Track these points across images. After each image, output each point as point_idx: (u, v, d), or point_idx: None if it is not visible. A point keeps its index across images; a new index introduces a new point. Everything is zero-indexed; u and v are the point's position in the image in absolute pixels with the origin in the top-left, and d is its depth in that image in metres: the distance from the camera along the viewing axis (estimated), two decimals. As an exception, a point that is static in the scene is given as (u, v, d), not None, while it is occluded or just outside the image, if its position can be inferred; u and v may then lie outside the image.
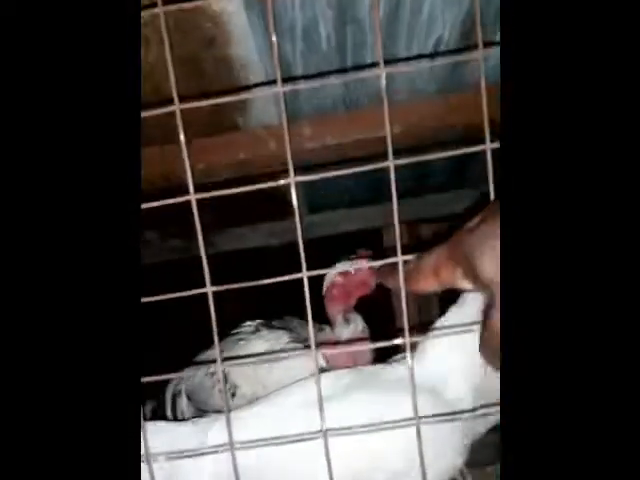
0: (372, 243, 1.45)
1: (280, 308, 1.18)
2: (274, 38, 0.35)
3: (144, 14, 0.35)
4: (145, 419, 0.39)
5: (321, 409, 0.39)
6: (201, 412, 1.08)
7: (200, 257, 0.37)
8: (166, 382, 1.14)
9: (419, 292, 0.39)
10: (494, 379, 0.33)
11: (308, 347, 1.02)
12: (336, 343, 1.02)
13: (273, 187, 0.37)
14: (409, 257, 0.38)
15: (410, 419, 0.39)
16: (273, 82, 0.36)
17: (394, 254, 0.38)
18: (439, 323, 0.65)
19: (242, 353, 1.03)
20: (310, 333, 0.39)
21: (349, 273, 1.01)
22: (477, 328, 0.34)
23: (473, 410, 0.62)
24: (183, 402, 1.11)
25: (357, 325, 1.03)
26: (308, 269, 0.38)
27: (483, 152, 0.35)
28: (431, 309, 1.43)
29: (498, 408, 0.64)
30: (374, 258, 1.06)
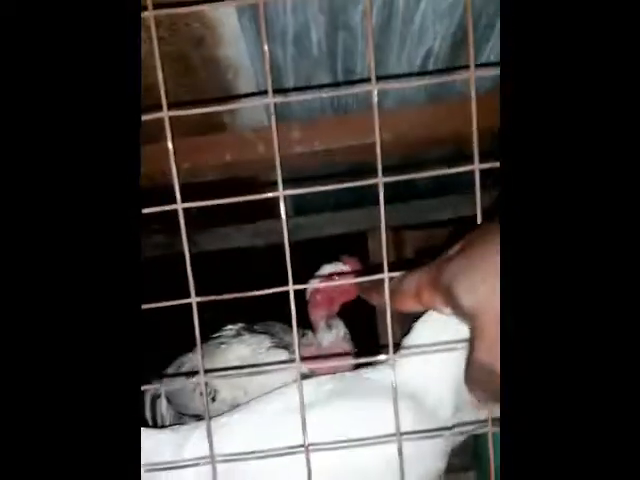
0: (357, 246, 1.45)
1: (262, 312, 1.17)
2: (266, 47, 0.34)
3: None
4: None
5: (303, 425, 0.38)
6: (181, 416, 1.07)
7: (183, 255, 0.37)
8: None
9: (401, 311, 0.39)
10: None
11: (289, 350, 1.01)
12: (318, 357, 1.01)
13: (259, 186, 0.36)
14: (395, 274, 0.38)
15: (391, 435, 0.39)
16: (264, 92, 0.36)
17: (378, 265, 0.37)
18: (409, 340, 0.65)
19: (223, 357, 1.02)
20: (295, 344, 0.39)
21: (332, 279, 1.01)
22: (447, 345, 0.35)
23: (452, 427, 0.62)
24: (163, 405, 1.10)
25: (339, 331, 1.03)
26: (293, 272, 0.37)
27: (471, 160, 0.35)
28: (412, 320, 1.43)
29: (478, 424, 0.64)
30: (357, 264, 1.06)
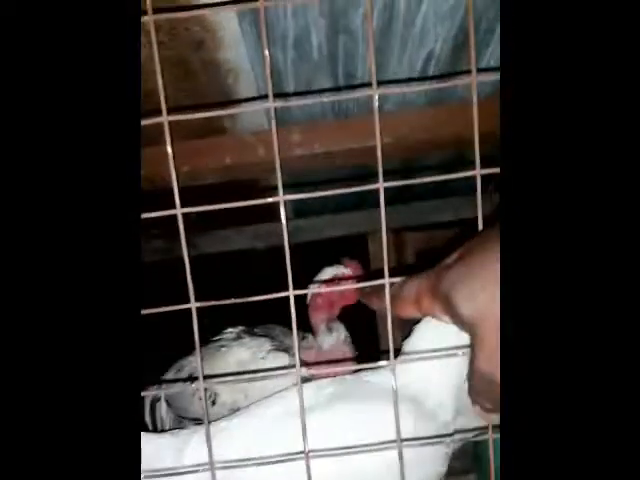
0: (357, 249, 1.45)
1: (263, 315, 1.17)
2: (267, 52, 0.34)
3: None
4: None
5: (304, 431, 0.38)
6: (181, 419, 1.06)
7: (182, 260, 0.37)
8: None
9: (400, 317, 0.38)
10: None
11: (289, 353, 1.01)
12: (319, 361, 1.01)
13: (259, 189, 0.36)
14: (395, 279, 0.37)
15: (392, 441, 0.38)
16: (265, 97, 0.36)
17: (379, 270, 0.37)
18: (409, 344, 0.65)
19: (224, 360, 1.02)
20: (295, 350, 0.39)
21: (333, 283, 1.00)
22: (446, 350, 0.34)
23: (453, 433, 0.62)
24: (162, 409, 1.09)
25: (340, 334, 1.03)
26: (293, 274, 0.37)
27: (472, 162, 0.35)
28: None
29: (478, 430, 0.64)
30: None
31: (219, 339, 1.11)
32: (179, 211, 0.36)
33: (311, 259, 1.08)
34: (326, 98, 0.35)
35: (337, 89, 0.70)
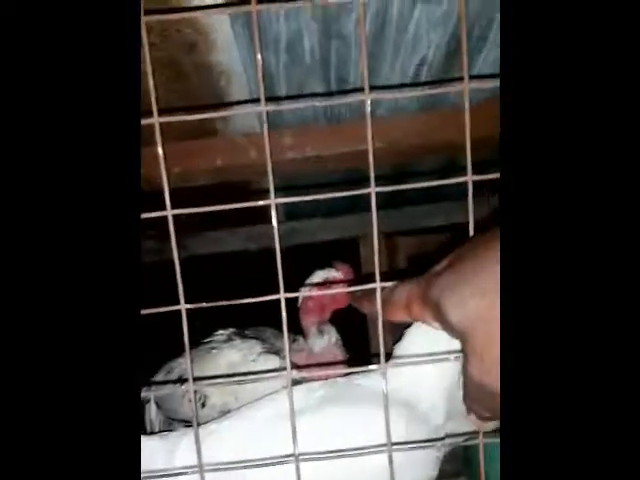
0: (349, 252, 1.45)
1: (254, 317, 1.17)
2: (259, 56, 0.34)
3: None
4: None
5: (294, 435, 0.38)
6: (170, 421, 1.06)
7: (173, 261, 0.36)
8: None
9: (391, 321, 0.38)
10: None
11: (280, 356, 1.01)
12: (310, 363, 1.01)
13: (251, 192, 0.36)
14: (387, 284, 0.37)
15: (382, 445, 0.38)
16: (257, 100, 0.36)
17: (370, 274, 0.37)
18: (400, 348, 0.65)
19: (214, 362, 1.01)
20: (286, 352, 0.39)
21: (324, 286, 1.00)
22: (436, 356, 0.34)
23: (444, 438, 0.62)
24: (152, 410, 1.09)
25: (331, 337, 1.03)
26: (285, 277, 0.37)
27: (463, 167, 0.35)
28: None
29: (470, 435, 0.64)
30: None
31: (210, 341, 1.10)
32: (169, 212, 0.36)
33: (303, 262, 1.08)
34: (318, 103, 0.35)
35: (329, 94, 0.70)
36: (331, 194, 0.35)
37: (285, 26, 0.58)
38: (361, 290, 0.43)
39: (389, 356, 0.66)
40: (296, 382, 0.77)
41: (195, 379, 0.41)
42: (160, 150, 0.35)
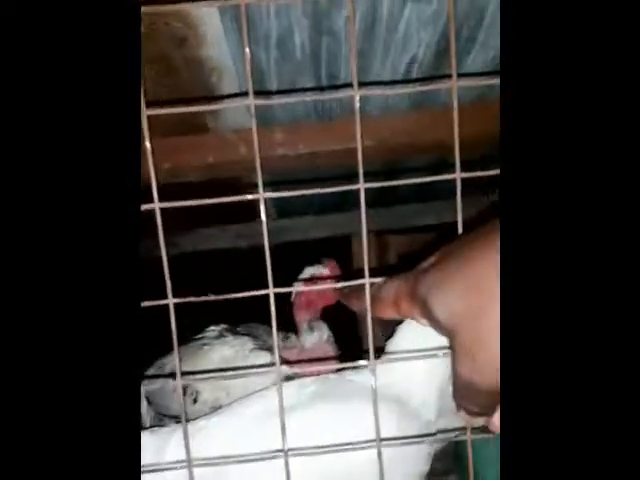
0: (341, 250, 1.46)
1: (246, 314, 1.17)
2: (247, 48, 0.34)
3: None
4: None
5: (283, 429, 0.38)
6: (161, 417, 1.06)
7: (168, 258, 0.36)
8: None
9: (380, 318, 0.38)
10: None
11: (271, 352, 1.01)
12: (301, 361, 1.01)
13: (242, 187, 0.36)
14: (376, 280, 0.37)
15: (371, 440, 0.39)
16: (246, 94, 0.36)
17: (359, 270, 0.37)
18: (393, 344, 0.65)
19: (206, 358, 1.01)
20: (275, 348, 0.39)
21: (312, 282, 1.01)
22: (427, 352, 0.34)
23: (435, 434, 0.62)
24: (143, 406, 1.08)
25: (322, 334, 1.03)
26: (277, 274, 0.37)
27: (453, 166, 0.35)
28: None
29: (460, 430, 0.64)
30: (340, 268, 1.06)
31: (201, 337, 1.10)
32: (157, 205, 0.36)
33: (295, 260, 1.08)
34: (308, 97, 0.35)
35: (320, 90, 0.70)
36: (320, 190, 0.35)
37: (276, 22, 0.58)
38: (349, 287, 0.43)
39: (381, 352, 0.66)
40: (288, 378, 0.77)
41: (185, 374, 0.41)
42: (147, 144, 0.35)
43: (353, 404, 0.63)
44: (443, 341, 0.34)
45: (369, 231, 0.36)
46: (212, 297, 0.39)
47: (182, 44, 0.60)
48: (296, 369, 0.92)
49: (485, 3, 0.59)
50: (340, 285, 0.39)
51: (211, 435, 0.64)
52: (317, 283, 1.00)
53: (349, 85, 0.70)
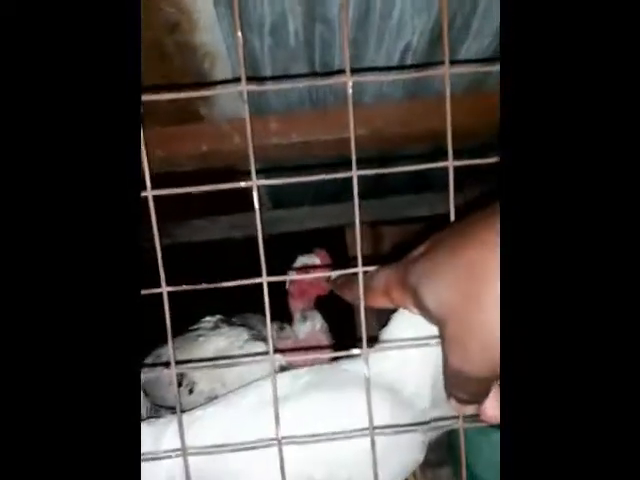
0: (335, 241, 1.46)
1: (242, 305, 1.17)
2: (239, 33, 0.34)
3: None
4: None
5: (277, 418, 0.38)
6: (157, 408, 1.06)
7: (161, 249, 0.36)
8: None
9: (373, 308, 0.38)
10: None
11: (267, 343, 1.01)
12: (295, 349, 1.02)
13: (236, 178, 0.36)
14: (368, 268, 0.37)
15: (365, 429, 0.39)
16: (239, 79, 0.35)
17: (351, 259, 0.37)
18: (387, 333, 0.65)
19: (201, 349, 1.02)
20: (268, 336, 0.39)
21: (305, 271, 1.01)
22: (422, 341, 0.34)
23: (429, 422, 0.63)
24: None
25: (315, 323, 1.04)
26: (272, 265, 0.37)
27: (447, 156, 0.35)
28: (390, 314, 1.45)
29: (454, 419, 0.65)
30: (336, 259, 1.07)
31: (197, 328, 1.10)
32: (150, 193, 0.35)
33: (289, 250, 1.08)
34: (301, 84, 0.34)
35: (314, 77, 0.69)
36: (313, 177, 0.35)
37: (269, 9, 0.58)
38: (342, 277, 0.43)
39: (375, 342, 0.67)
40: (283, 369, 0.77)
41: (180, 363, 0.41)
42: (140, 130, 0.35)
43: (346, 393, 0.63)
44: (435, 330, 0.34)
45: (363, 222, 0.36)
46: (206, 285, 0.38)
47: (175, 29, 0.59)
48: (291, 358, 0.93)
49: (480, -10, 0.59)
50: (334, 274, 0.39)
51: (207, 426, 0.64)
52: (309, 272, 1.01)
53: (343, 72, 0.70)
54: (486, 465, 0.97)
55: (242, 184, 0.35)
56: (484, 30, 0.66)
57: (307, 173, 0.36)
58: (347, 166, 0.34)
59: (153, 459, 0.46)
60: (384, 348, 0.62)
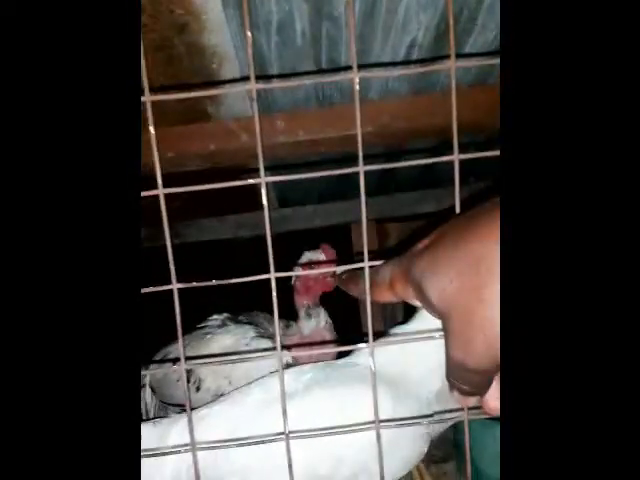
0: (341, 239, 1.46)
1: (247, 303, 1.18)
2: (249, 32, 0.34)
3: None
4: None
5: (284, 412, 0.38)
6: (165, 406, 1.07)
7: (166, 247, 0.37)
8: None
9: (378, 302, 0.38)
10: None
11: (273, 340, 1.02)
12: (299, 345, 1.02)
13: (243, 178, 0.36)
14: (374, 263, 0.38)
15: (371, 422, 0.39)
16: (247, 78, 0.36)
17: (357, 254, 0.37)
18: (401, 329, 0.65)
19: (208, 347, 1.02)
20: (276, 331, 0.39)
21: (309, 267, 1.02)
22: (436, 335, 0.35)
23: (432, 415, 0.63)
24: (147, 395, 1.10)
25: (320, 320, 1.04)
26: (278, 263, 0.37)
27: (452, 150, 0.35)
28: (396, 309, 1.45)
29: (457, 413, 0.65)
30: (341, 256, 1.07)
31: (204, 326, 1.11)
32: (161, 191, 0.36)
33: (295, 248, 1.09)
34: (308, 81, 0.35)
35: (319, 67, 0.70)
36: (320, 173, 0.35)
37: (276, 7, 0.58)
38: (348, 273, 0.43)
39: (379, 335, 0.67)
40: (288, 366, 0.78)
41: (189, 359, 0.41)
42: (152, 129, 0.35)
43: (350, 389, 0.63)
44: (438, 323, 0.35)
45: (369, 219, 0.36)
46: (216, 282, 0.39)
47: (183, 30, 0.60)
48: (295, 353, 0.93)
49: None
50: (340, 269, 0.40)
51: (213, 424, 0.65)
52: (315, 268, 1.01)
53: (349, 68, 0.70)
54: (490, 460, 0.98)
55: (251, 181, 0.35)
56: (490, 24, 0.66)
57: (313, 171, 0.36)
58: (353, 163, 0.35)
59: (163, 454, 0.46)
60: (390, 342, 0.63)
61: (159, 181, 0.36)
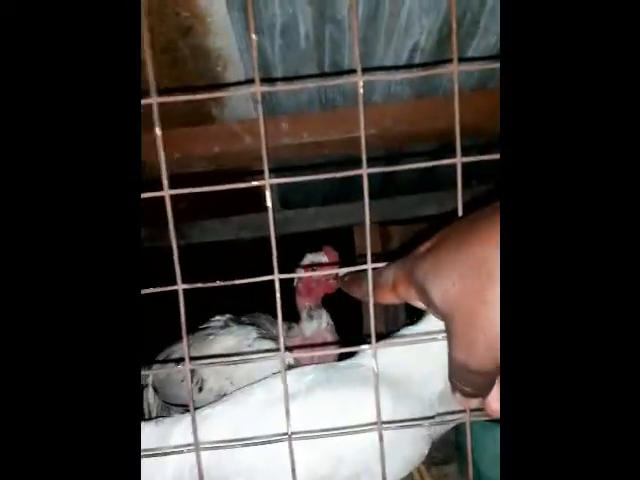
0: (344, 241, 1.46)
1: (250, 304, 1.18)
2: (254, 36, 0.34)
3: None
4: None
5: (287, 414, 0.39)
6: (167, 406, 1.07)
7: (170, 247, 0.37)
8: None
9: (380, 304, 0.39)
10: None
11: (275, 341, 1.02)
12: (302, 346, 1.02)
13: (247, 180, 0.36)
14: (377, 265, 0.38)
15: (372, 424, 0.39)
16: (251, 81, 0.36)
17: (360, 256, 0.38)
18: (407, 331, 0.66)
19: (211, 348, 1.03)
20: (280, 332, 0.39)
21: (311, 269, 1.02)
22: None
23: (434, 417, 0.63)
24: (150, 394, 1.10)
25: (321, 322, 1.04)
26: (280, 265, 0.38)
27: (455, 153, 0.36)
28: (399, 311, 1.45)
29: (459, 414, 0.65)
30: (344, 258, 1.07)
31: (207, 327, 1.11)
32: (167, 192, 0.36)
33: (298, 251, 1.09)
34: (312, 84, 0.35)
35: (323, 70, 0.70)
36: (323, 175, 0.35)
37: (280, 11, 0.58)
38: (350, 275, 0.43)
39: (382, 337, 0.67)
40: (290, 367, 0.78)
41: (192, 359, 0.42)
42: (158, 130, 0.35)
43: (351, 390, 0.63)
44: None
45: (372, 222, 0.36)
46: (220, 283, 0.39)
47: (188, 33, 0.60)
48: (297, 355, 0.93)
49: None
50: (342, 271, 0.40)
51: (215, 424, 0.65)
52: (317, 270, 1.01)
53: (352, 72, 0.71)
54: (490, 462, 0.98)
55: (255, 183, 0.36)
56: (492, 27, 0.66)
57: (317, 173, 0.37)
58: (356, 165, 0.35)
59: (167, 454, 0.47)
60: (392, 343, 0.63)
61: (165, 182, 0.36)
